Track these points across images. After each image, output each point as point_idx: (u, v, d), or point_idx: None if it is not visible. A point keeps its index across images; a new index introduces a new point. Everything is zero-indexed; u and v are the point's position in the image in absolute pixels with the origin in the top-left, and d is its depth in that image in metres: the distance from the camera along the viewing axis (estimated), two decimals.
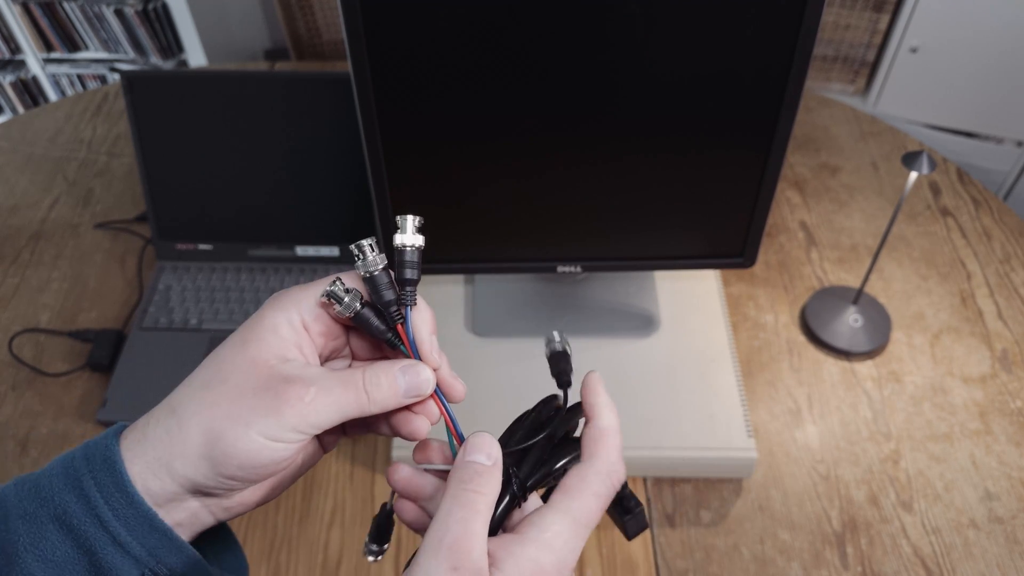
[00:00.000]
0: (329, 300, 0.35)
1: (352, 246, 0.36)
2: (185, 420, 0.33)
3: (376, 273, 0.35)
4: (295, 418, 0.33)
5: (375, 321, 0.36)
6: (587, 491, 0.35)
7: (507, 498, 0.35)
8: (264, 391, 0.33)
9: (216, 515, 0.36)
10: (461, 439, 0.37)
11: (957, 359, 0.89)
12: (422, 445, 0.39)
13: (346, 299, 0.35)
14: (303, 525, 0.77)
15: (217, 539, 0.38)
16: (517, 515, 0.37)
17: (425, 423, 0.38)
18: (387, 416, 0.38)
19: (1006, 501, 0.77)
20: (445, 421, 0.37)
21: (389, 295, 0.35)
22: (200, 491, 0.34)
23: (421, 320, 0.37)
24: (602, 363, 0.83)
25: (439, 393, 0.37)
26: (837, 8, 1.75)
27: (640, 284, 0.90)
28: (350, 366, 0.39)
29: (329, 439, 0.40)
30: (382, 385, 0.35)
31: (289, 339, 0.35)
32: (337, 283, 0.35)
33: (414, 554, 0.33)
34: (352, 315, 0.35)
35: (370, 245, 0.35)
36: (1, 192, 1.12)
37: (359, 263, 0.35)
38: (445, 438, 0.38)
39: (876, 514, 0.77)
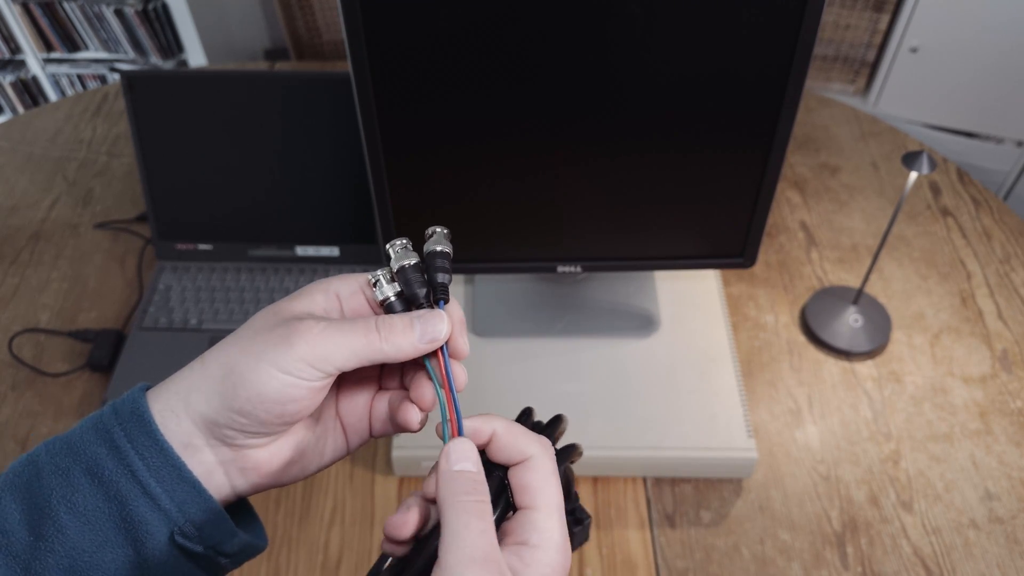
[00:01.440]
0: (371, 281, 0.37)
1: (387, 245, 0.37)
2: (207, 359, 0.35)
3: (408, 267, 0.37)
4: (304, 347, 0.33)
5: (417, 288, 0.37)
6: (548, 479, 0.35)
7: (501, 506, 0.35)
8: (277, 328, 0.34)
9: (231, 478, 0.36)
10: (458, 419, 0.36)
11: (957, 359, 0.89)
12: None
13: (385, 286, 0.37)
14: (303, 525, 0.77)
15: (239, 512, 0.39)
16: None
17: (416, 413, 0.38)
18: (391, 402, 0.39)
19: (1006, 501, 0.77)
20: (446, 401, 0.37)
21: (421, 290, 0.37)
22: (213, 433, 0.34)
23: (454, 308, 0.38)
24: (602, 363, 0.84)
25: (447, 366, 0.37)
26: (837, 8, 1.75)
27: (640, 284, 0.90)
28: None
29: (353, 434, 0.40)
30: (396, 327, 0.35)
31: (319, 301, 0.36)
32: (384, 271, 0.37)
33: (412, 560, 0.33)
34: (383, 301, 0.37)
35: (403, 244, 0.37)
36: (1, 192, 1.12)
37: (393, 259, 0.37)
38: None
39: (876, 514, 0.77)
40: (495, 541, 0.32)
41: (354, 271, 0.95)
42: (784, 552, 0.75)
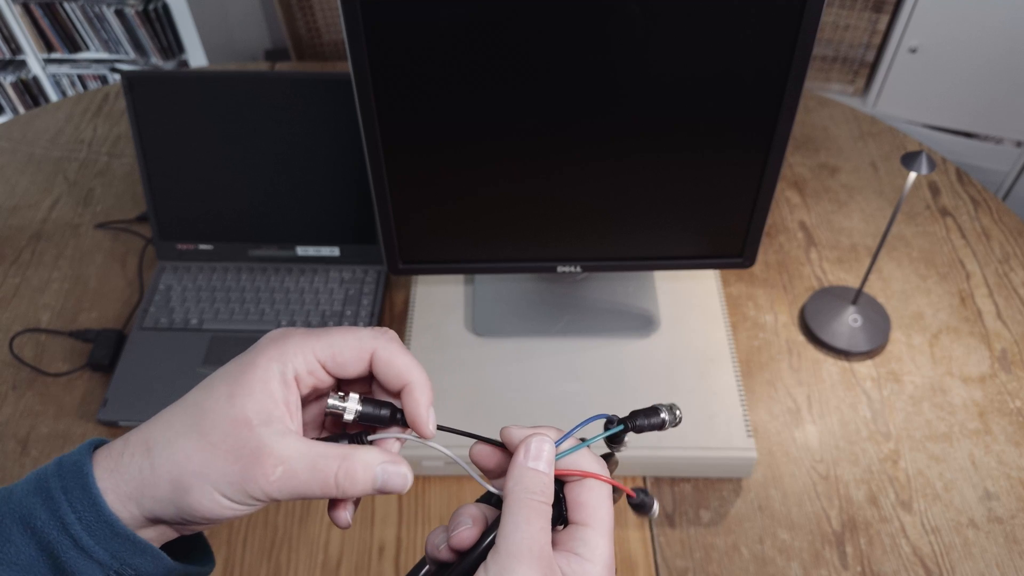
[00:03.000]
0: (329, 412, 0.37)
1: (330, 403, 0.37)
2: (158, 466, 0.34)
3: (364, 412, 0.37)
4: (257, 492, 0.34)
5: (381, 412, 0.38)
6: (604, 501, 0.36)
7: (555, 513, 0.36)
8: (236, 458, 0.33)
9: (183, 533, 0.37)
10: (489, 440, 0.38)
11: (956, 359, 0.89)
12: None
13: (347, 405, 0.37)
14: (303, 525, 0.77)
15: (187, 540, 0.39)
16: None
17: (347, 515, 0.38)
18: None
19: (1005, 501, 0.78)
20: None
21: (384, 413, 0.37)
22: (167, 523, 0.35)
23: (421, 393, 0.38)
24: (602, 363, 0.84)
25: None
26: (837, 8, 1.75)
27: (640, 284, 0.90)
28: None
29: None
30: (356, 481, 0.35)
31: (278, 396, 0.35)
32: (336, 396, 0.37)
33: (462, 563, 0.34)
34: (356, 417, 0.37)
35: (339, 407, 0.37)
36: (2, 192, 1.12)
37: (345, 414, 0.37)
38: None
39: (875, 514, 0.77)
40: (550, 543, 0.34)
41: (354, 271, 0.95)
42: (783, 551, 0.75)
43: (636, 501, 0.39)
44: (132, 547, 0.34)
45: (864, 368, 0.89)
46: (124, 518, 0.34)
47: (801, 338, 0.92)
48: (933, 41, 1.70)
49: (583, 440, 0.38)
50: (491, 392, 0.81)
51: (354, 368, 0.37)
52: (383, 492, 0.36)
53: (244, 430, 0.34)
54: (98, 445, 0.35)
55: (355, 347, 0.37)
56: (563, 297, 0.89)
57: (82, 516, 0.33)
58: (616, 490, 0.39)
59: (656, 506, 0.40)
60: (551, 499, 0.35)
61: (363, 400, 0.37)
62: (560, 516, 0.36)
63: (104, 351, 0.89)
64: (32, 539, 0.33)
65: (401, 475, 0.36)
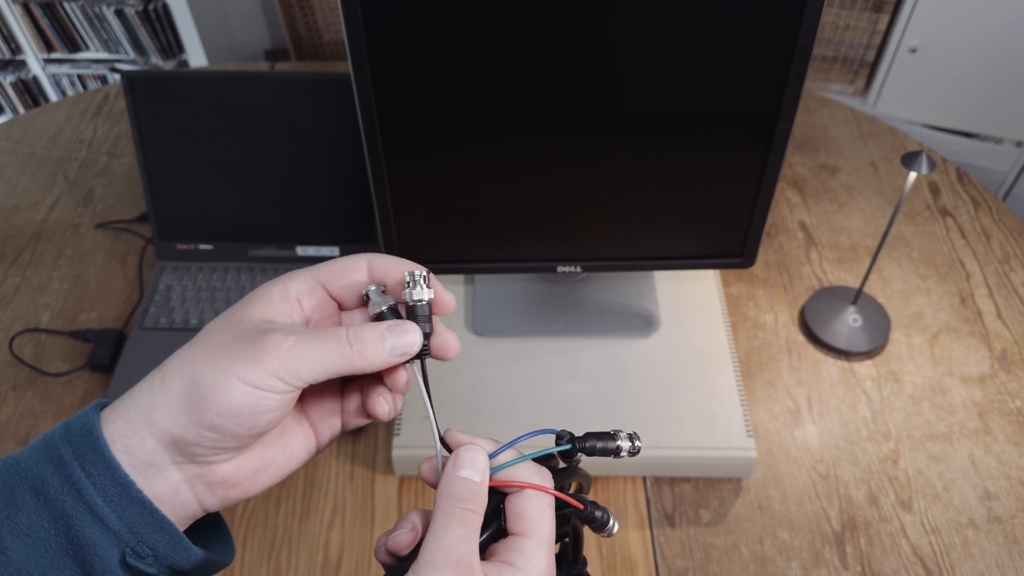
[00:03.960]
0: (366, 296, 0.37)
1: (407, 273, 0.37)
2: (168, 374, 0.33)
3: (422, 304, 0.37)
4: (274, 363, 0.32)
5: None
6: (544, 512, 0.36)
7: (494, 527, 0.36)
8: (244, 340, 0.33)
9: (198, 495, 0.35)
10: (437, 428, 0.37)
11: (956, 359, 0.89)
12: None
13: (378, 300, 0.37)
14: (303, 525, 0.77)
15: (207, 527, 0.38)
16: None
17: (384, 404, 0.38)
18: (363, 389, 0.39)
19: (1005, 501, 0.78)
20: (428, 409, 0.37)
21: (427, 327, 0.37)
22: (180, 450, 0.33)
23: (448, 298, 0.38)
24: (602, 363, 0.84)
25: (424, 378, 0.38)
26: (837, 8, 1.75)
27: (640, 284, 0.90)
28: None
29: (323, 429, 0.39)
30: (367, 340, 0.34)
31: (279, 306, 0.35)
32: (377, 286, 0.37)
33: (400, 567, 0.33)
34: (376, 314, 0.36)
35: (423, 277, 0.37)
36: (1, 192, 1.12)
37: (408, 291, 0.36)
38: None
39: (875, 514, 0.77)
40: (475, 550, 0.33)
41: None
42: (783, 551, 0.75)
43: (584, 514, 0.37)
44: (149, 518, 0.32)
45: (864, 368, 0.89)
46: (133, 447, 0.32)
47: (801, 338, 0.92)
48: (933, 41, 1.70)
49: (540, 453, 0.37)
50: (491, 392, 0.81)
51: (353, 276, 0.37)
52: (399, 355, 0.35)
53: (248, 325, 0.34)
54: (104, 406, 0.34)
55: (350, 262, 0.37)
56: (563, 297, 0.89)
57: (96, 480, 0.31)
58: (567, 477, 0.38)
59: (613, 523, 0.38)
60: (481, 507, 0.34)
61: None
62: (500, 528, 0.36)
63: (104, 351, 0.89)
64: (45, 508, 0.31)
65: (409, 336, 0.35)
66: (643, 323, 0.87)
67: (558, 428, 0.38)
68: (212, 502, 0.35)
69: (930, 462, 0.81)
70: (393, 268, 0.37)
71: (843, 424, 0.84)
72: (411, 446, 0.78)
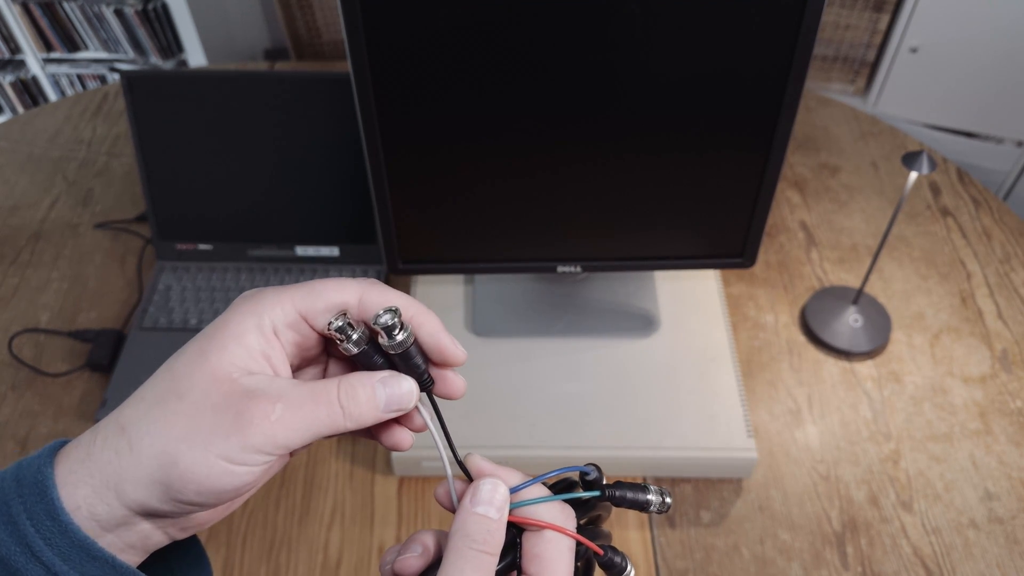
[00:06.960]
0: (338, 334, 0.32)
1: (382, 318, 0.32)
2: (136, 441, 0.30)
3: (409, 347, 0.33)
4: (260, 438, 0.30)
5: (379, 360, 0.34)
6: (563, 554, 0.34)
7: (508, 560, 0.34)
8: (225, 409, 0.30)
9: (171, 535, 0.33)
10: (455, 454, 0.35)
11: (957, 359, 0.89)
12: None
13: (355, 336, 0.32)
14: (303, 525, 0.77)
15: (179, 549, 0.35)
16: None
17: (408, 435, 0.35)
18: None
19: (1006, 501, 0.77)
20: (438, 443, 0.35)
21: (421, 363, 0.34)
22: (153, 514, 0.31)
23: (430, 321, 0.35)
24: (602, 363, 0.84)
25: (434, 406, 0.35)
26: (837, 8, 1.75)
27: (640, 284, 0.90)
28: (324, 376, 0.36)
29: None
30: (359, 399, 0.32)
31: (255, 348, 0.32)
32: (343, 318, 0.32)
33: None
34: (357, 352, 0.33)
35: (397, 312, 0.33)
36: (1, 192, 1.12)
37: (393, 337, 0.33)
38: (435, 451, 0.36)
39: (876, 514, 0.77)
40: None
41: (354, 271, 0.95)
42: (784, 552, 0.75)
43: (603, 559, 0.35)
44: (112, 571, 0.30)
45: (865, 368, 0.89)
46: (102, 515, 0.29)
47: (802, 338, 0.91)
48: (934, 41, 1.70)
49: (559, 487, 0.35)
50: (491, 392, 0.81)
51: (339, 308, 0.33)
52: (394, 411, 0.33)
53: (226, 384, 0.30)
54: (63, 446, 0.31)
55: (337, 291, 0.33)
56: (563, 297, 0.89)
57: (52, 542, 0.29)
58: (594, 534, 0.36)
59: (631, 570, 0.36)
60: (497, 547, 0.32)
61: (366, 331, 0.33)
62: (514, 564, 0.34)
63: (103, 351, 0.89)
64: (1, 568, 0.29)
65: (404, 388, 0.33)
66: (643, 323, 0.87)
67: (583, 464, 0.36)
68: (184, 535, 0.34)
69: (931, 462, 0.81)
70: (391, 302, 0.34)
71: (844, 424, 0.84)
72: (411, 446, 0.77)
